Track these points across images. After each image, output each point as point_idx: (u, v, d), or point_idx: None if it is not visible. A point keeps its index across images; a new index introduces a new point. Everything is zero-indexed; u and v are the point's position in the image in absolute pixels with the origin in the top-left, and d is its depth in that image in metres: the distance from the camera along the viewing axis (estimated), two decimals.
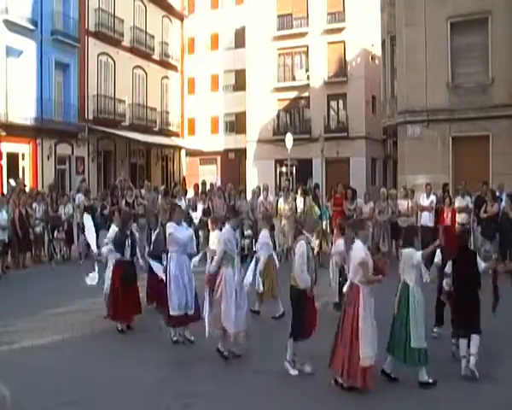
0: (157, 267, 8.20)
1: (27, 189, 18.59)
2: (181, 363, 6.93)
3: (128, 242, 8.24)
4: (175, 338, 7.65)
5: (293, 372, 6.42)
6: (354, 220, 8.06)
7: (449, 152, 19.39)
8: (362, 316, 5.86)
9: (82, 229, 15.00)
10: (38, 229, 14.57)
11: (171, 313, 7.43)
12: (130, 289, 8.15)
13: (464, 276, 6.45)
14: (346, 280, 6.44)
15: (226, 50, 40.61)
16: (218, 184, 21.54)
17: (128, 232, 8.36)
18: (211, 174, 37.77)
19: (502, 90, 18.40)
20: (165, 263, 7.99)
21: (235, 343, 7.04)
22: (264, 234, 9.15)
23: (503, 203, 12.98)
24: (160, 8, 33.74)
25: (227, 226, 7.25)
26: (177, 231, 7.57)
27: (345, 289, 6.39)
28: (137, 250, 8.52)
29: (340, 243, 8.93)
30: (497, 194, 13.80)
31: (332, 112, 34.48)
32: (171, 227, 7.56)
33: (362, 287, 5.96)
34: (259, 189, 15.69)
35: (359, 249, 6.03)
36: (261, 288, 8.49)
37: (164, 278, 7.65)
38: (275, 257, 9.37)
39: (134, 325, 8.38)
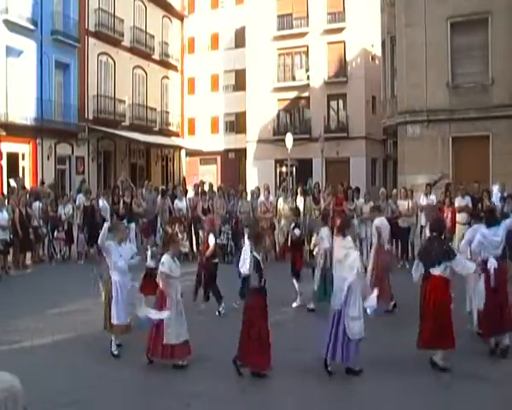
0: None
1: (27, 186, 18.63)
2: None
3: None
4: None
5: None
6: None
7: (449, 152, 19.39)
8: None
9: (82, 229, 15.16)
10: (45, 230, 14.65)
11: None
12: None
13: None
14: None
15: (226, 50, 40.60)
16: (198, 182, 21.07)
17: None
18: (211, 174, 37.78)
19: (502, 90, 18.40)
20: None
21: None
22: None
23: (497, 203, 12.97)
24: (160, 8, 33.71)
25: None
26: None
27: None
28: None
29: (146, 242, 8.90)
30: (499, 194, 13.77)
31: (332, 112, 34.49)
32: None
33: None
34: (259, 189, 15.69)
35: None
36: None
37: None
38: None
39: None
